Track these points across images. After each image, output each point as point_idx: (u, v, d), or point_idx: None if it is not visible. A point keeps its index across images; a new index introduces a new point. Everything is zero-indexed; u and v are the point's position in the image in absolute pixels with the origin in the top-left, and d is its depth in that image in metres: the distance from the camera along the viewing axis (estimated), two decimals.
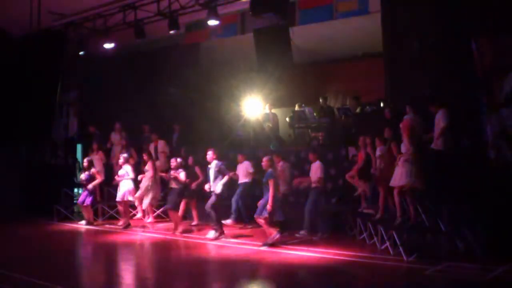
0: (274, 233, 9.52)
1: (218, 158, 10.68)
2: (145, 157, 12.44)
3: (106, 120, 15.71)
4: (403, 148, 8.96)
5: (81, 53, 13.40)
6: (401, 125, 9.21)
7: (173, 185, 11.40)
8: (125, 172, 12.29)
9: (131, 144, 14.52)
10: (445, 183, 8.94)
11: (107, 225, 12.80)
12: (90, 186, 12.57)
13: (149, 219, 12.17)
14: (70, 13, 12.89)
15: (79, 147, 16.67)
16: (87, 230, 12.51)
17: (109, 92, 15.82)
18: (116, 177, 12.56)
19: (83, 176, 12.79)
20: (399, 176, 8.86)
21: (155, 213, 13.21)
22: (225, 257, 9.18)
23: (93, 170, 12.76)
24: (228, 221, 11.59)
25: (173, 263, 9.15)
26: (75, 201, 15.09)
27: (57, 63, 14.27)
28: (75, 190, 15.58)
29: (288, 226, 10.30)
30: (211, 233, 10.50)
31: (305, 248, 9.33)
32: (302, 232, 10.41)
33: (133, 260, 9.48)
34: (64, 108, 17.23)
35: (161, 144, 13.82)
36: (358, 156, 10.53)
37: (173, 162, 11.46)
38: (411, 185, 8.77)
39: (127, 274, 8.43)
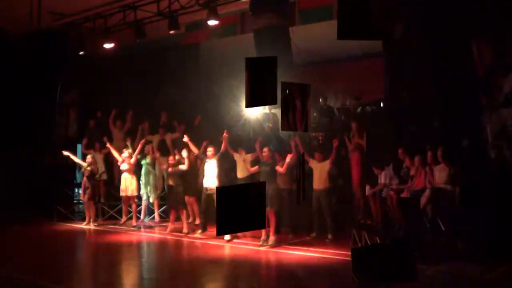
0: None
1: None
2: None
3: (106, 120, 15.71)
4: None
5: (81, 53, 13.38)
6: None
7: (171, 182, 11.34)
8: (127, 168, 12.27)
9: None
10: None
11: (111, 225, 12.80)
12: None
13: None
14: (70, 13, 12.86)
15: (79, 147, 16.66)
16: (87, 230, 12.52)
17: (109, 92, 15.80)
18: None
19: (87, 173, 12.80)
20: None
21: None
22: (225, 257, 9.19)
23: (92, 167, 12.82)
24: None
25: (173, 263, 9.15)
26: (75, 201, 15.11)
27: (57, 63, 14.27)
28: (75, 190, 15.58)
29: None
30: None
31: (305, 248, 9.33)
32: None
33: (132, 260, 9.48)
34: (64, 108, 17.22)
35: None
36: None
37: (171, 160, 11.42)
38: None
39: (126, 274, 8.43)
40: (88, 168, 12.66)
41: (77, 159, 13.35)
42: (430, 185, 8.97)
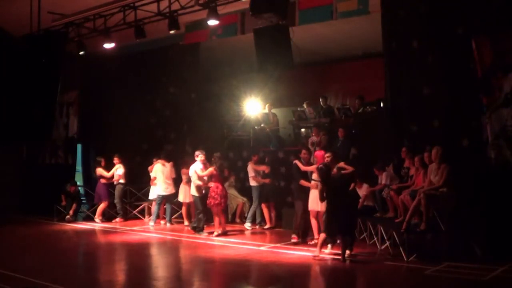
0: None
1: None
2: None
3: (106, 120, 15.71)
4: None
5: (81, 53, 13.39)
6: None
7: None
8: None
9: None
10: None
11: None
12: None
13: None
14: (70, 13, 12.87)
15: (79, 147, 16.67)
16: (87, 230, 12.54)
17: (109, 92, 15.81)
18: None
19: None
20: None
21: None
22: (225, 257, 9.18)
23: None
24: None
25: (173, 263, 9.15)
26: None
27: (57, 63, 14.24)
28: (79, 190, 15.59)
29: None
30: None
31: (305, 248, 9.33)
32: None
33: (132, 259, 9.48)
34: (64, 108, 17.22)
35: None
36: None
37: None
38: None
39: (125, 274, 8.43)
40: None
41: None
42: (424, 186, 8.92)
